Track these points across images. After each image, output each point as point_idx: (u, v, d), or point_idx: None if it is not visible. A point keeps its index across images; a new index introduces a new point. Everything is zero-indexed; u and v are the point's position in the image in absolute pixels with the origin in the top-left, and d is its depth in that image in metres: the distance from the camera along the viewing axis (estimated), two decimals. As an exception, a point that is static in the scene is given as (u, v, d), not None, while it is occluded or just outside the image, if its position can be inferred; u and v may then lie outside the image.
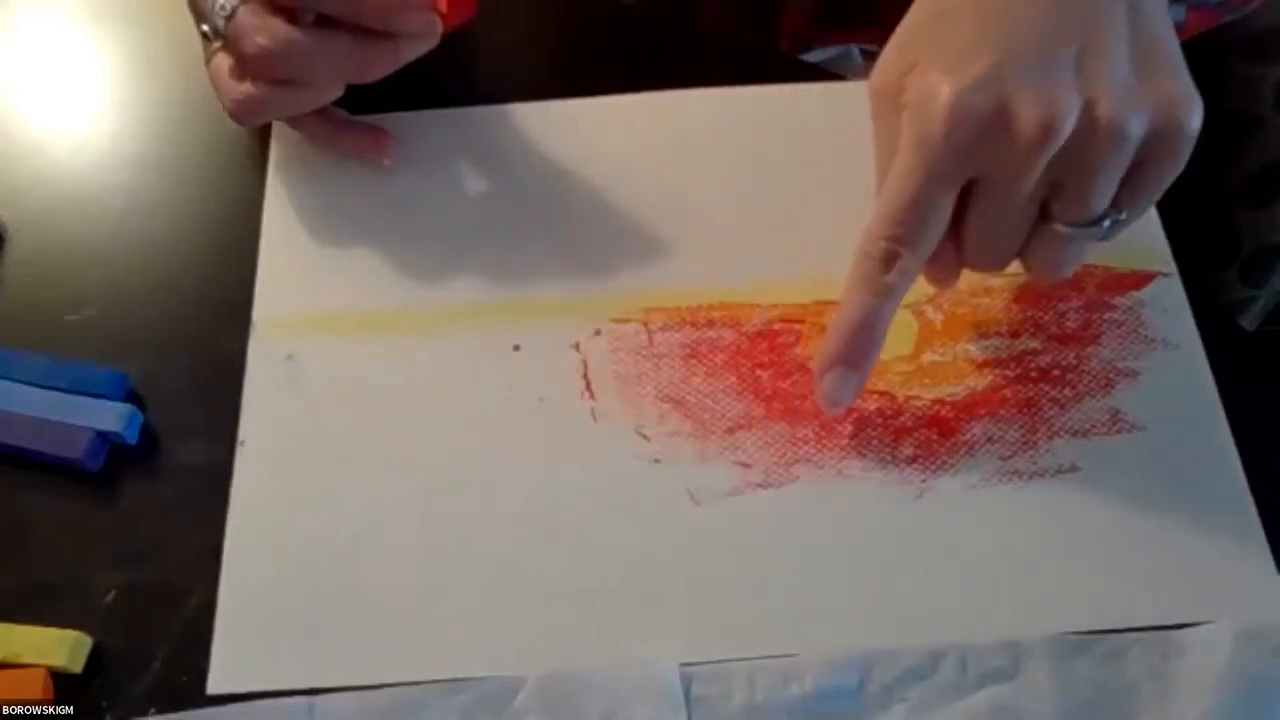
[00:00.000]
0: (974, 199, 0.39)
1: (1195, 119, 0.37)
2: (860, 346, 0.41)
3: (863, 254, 0.40)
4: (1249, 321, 0.52)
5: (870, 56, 0.60)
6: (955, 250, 0.41)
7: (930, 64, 0.38)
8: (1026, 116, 0.36)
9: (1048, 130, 0.36)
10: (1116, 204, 0.39)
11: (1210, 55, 0.57)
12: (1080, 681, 0.40)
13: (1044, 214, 0.39)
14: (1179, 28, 0.55)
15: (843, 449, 0.44)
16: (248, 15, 0.44)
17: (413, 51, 0.45)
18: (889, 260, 0.39)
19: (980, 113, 0.36)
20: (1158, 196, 0.40)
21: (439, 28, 0.45)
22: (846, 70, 0.60)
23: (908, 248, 0.39)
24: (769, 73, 0.53)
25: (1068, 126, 0.36)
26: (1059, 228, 0.39)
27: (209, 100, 0.48)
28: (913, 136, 0.38)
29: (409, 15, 0.44)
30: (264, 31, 0.44)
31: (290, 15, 0.44)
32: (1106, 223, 0.39)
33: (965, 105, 0.36)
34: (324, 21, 0.44)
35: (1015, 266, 0.42)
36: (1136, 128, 0.36)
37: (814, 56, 0.63)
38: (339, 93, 0.47)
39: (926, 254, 0.40)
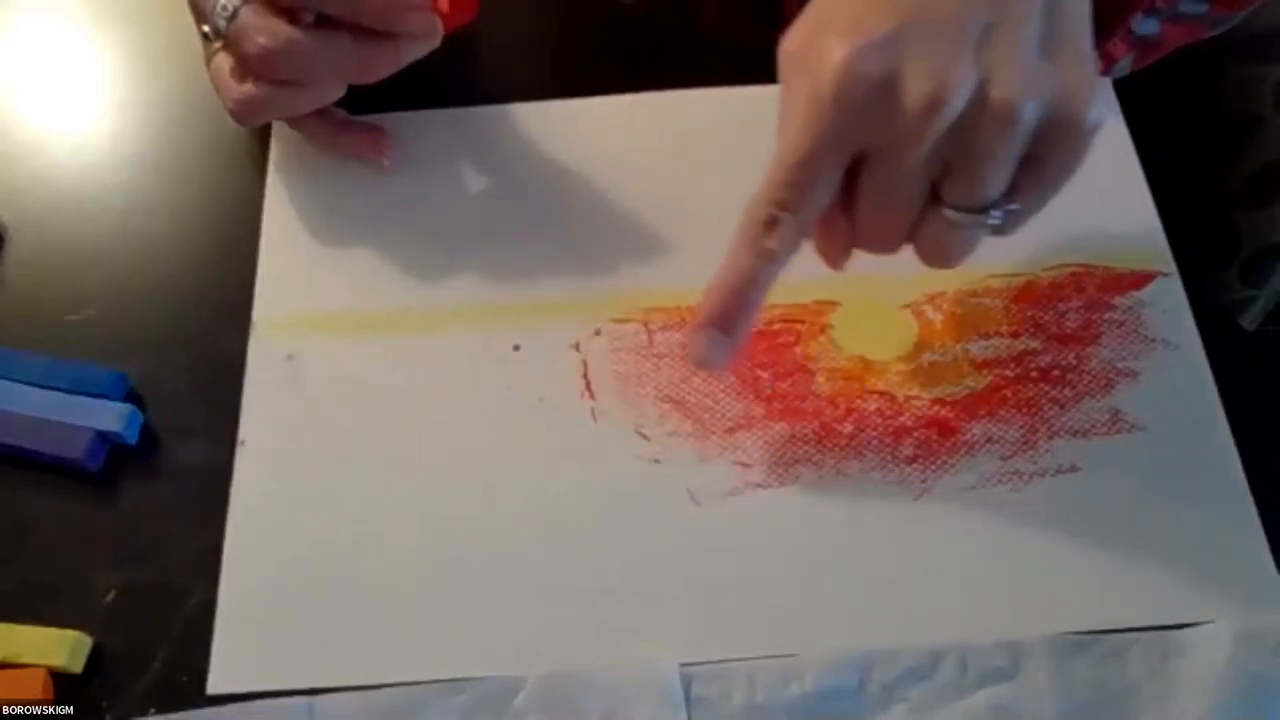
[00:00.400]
0: (864, 172, 0.38)
1: (1095, 112, 0.36)
2: (734, 310, 0.40)
3: (746, 216, 0.39)
4: (1249, 321, 0.52)
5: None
6: (848, 227, 0.40)
7: (832, 26, 0.37)
8: (916, 87, 0.35)
9: (935, 103, 0.35)
10: (1012, 194, 0.38)
11: (1209, 55, 0.57)
12: (1080, 681, 0.40)
13: (936, 197, 0.38)
14: (1156, 42, 0.54)
15: (842, 449, 0.45)
16: (249, 15, 0.44)
17: (414, 52, 0.45)
18: (771, 224, 0.38)
19: (869, 77, 0.35)
20: (1057, 190, 0.38)
21: (440, 28, 0.45)
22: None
23: (790, 211, 0.38)
24: (769, 73, 0.53)
25: (957, 102, 0.35)
26: (948, 212, 0.38)
27: (209, 100, 0.48)
28: (804, 98, 0.37)
29: (410, 16, 0.44)
30: (265, 32, 0.44)
31: (292, 16, 0.44)
32: (998, 212, 0.38)
33: (855, 69, 0.35)
34: (325, 22, 0.44)
35: (910, 253, 0.41)
36: (1030, 113, 0.35)
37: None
38: (340, 93, 0.47)
39: (809, 220, 0.38)
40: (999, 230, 0.39)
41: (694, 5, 0.60)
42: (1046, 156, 0.37)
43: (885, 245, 0.40)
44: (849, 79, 0.35)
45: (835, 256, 0.42)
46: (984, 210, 0.38)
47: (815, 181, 0.37)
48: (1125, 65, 0.53)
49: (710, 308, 0.40)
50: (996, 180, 0.37)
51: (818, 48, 0.36)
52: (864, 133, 0.36)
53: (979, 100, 0.35)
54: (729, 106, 0.52)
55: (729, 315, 0.40)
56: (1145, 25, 0.54)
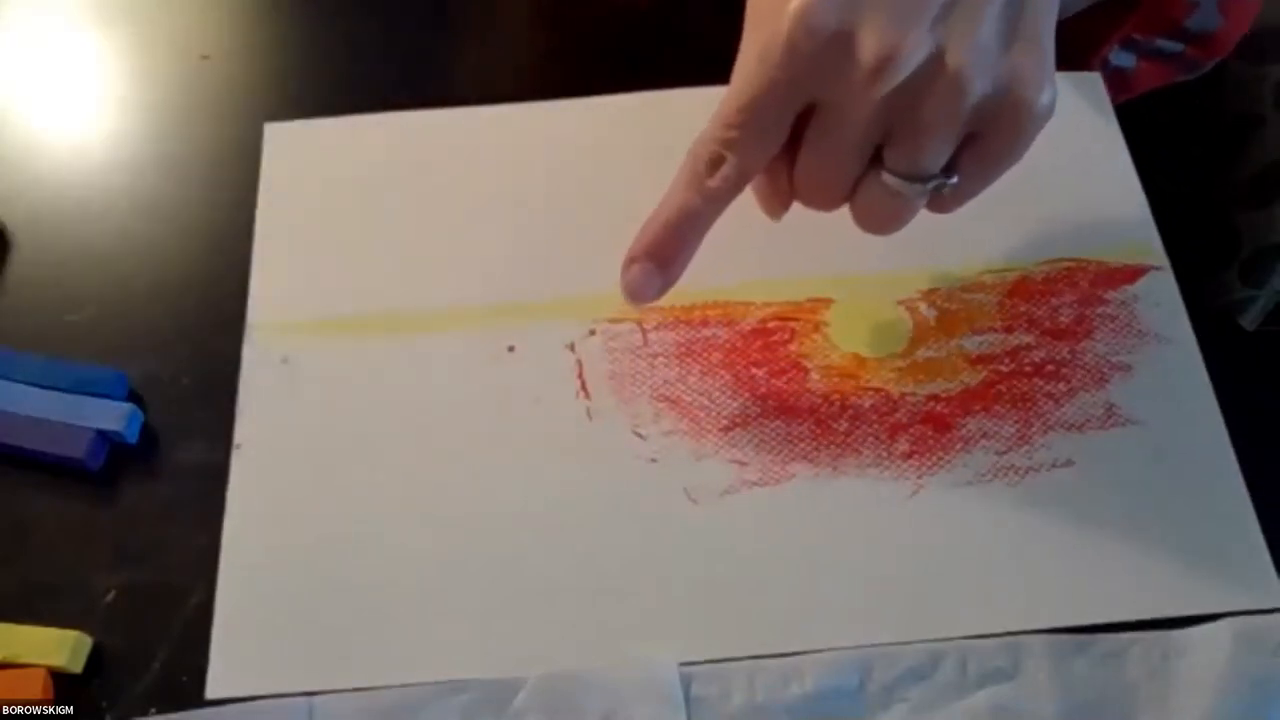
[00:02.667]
0: (810, 125, 0.38)
1: (1044, 99, 0.36)
2: (670, 244, 0.40)
3: (691, 153, 0.39)
4: (1249, 321, 0.52)
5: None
6: (788, 180, 0.40)
7: None
8: (869, 45, 0.35)
9: (885, 64, 0.35)
10: (951, 169, 0.38)
11: (1174, 87, 0.57)
12: (1080, 681, 0.40)
13: (877, 160, 0.39)
14: (1130, 76, 0.54)
15: (838, 446, 0.45)
16: None
17: None
18: (715, 163, 0.39)
19: (824, 28, 0.35)
20: (998, 172, 0.39)
21: None
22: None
23: (734, 152, 0.38)
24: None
25: (908, 66, 0.35)
26: (886, 176, 0.38)
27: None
28: (758, 42, 0.37)
29: None
30: None
31: None
32: (933, 183, 0.38)
33: (811, 18, 0.35)
34: None
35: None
36: (978, 88, 0.36)
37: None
38: None
39: (752, 165, 0.39)
40: (937, 204, 0.39)
41: (693, 5, 0.61)
42: (990, 136, 0.37)
43: (823, 201, 0.41)
44: (804, 27, 0.35)
45: (773, 207, 0.42)
46: (923, 180, 0.38)
47: (761, 125, 0.38)
48: None
49: (647, 240, 0.40)
50: (937, 151, 0.37)
51: None
52: (813, 84, 0.37)
53: (930, 70, 0.35)
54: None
55: (665, 249, 0.40)
56: (1121, 58, 0.54)
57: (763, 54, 0.37)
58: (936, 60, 0.35)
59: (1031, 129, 0.37)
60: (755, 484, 0.44)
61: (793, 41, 0.36)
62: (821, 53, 0.36)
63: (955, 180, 0.38)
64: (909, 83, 0.35)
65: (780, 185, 0.41)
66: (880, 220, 0.40)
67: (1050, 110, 0.37)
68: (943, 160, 0.38)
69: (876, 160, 0.39)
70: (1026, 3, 0.37)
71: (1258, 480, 0.44)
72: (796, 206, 0.42)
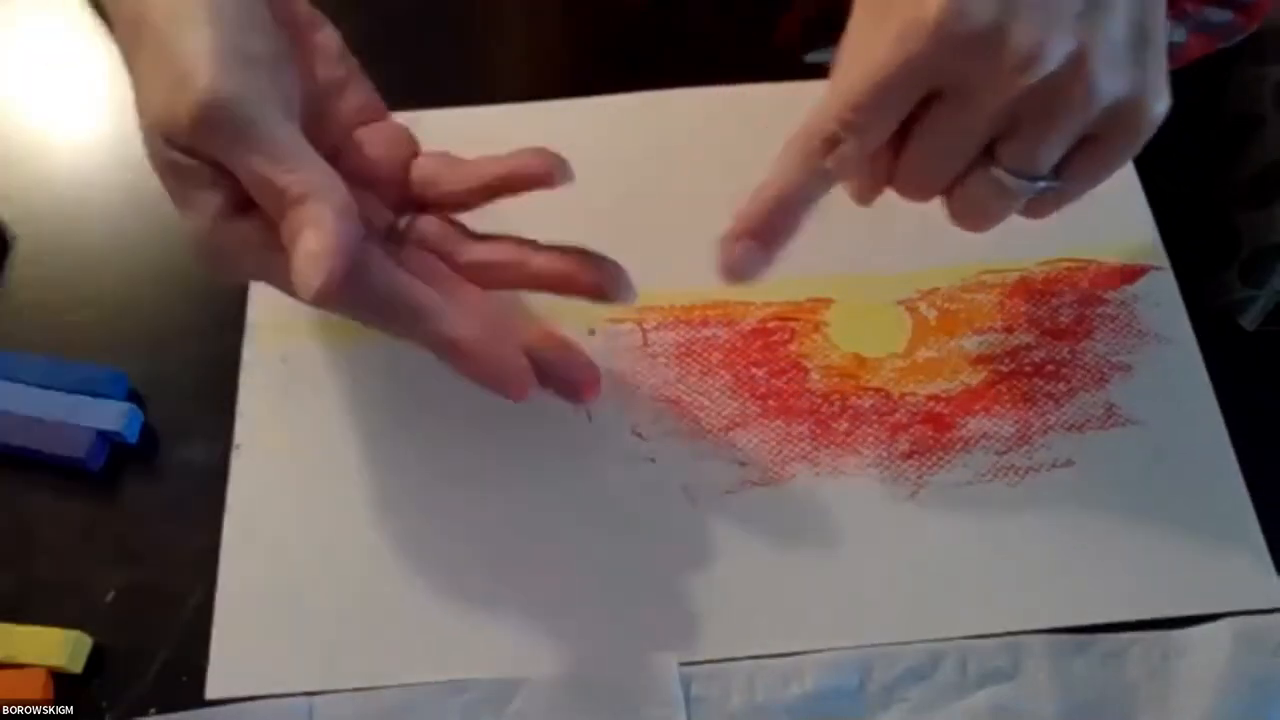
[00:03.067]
0: (930, 111, 0.38)
1: (1161, 109, 0.37)
2: (777, 224, 0.39)
3: (805, 132, 0.39)
4: (1249, 321, 0.52)
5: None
6: (889, 165, 0.40)
7: None
8: (1019, 39, 0.35)
9: (1033, 59, 0.35)
10: (1059, 172, 0.38)
11: (1210, 55, 0.58)
12: (1080, 681, 0.40)
13: (987, 155, 0.38)
14: (1180, 49, 0.54)
15: (838, 446, 0.45)
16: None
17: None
18: (832, 143, 0.38)
19: (977, 18, 0.35)
20: (1104, 177, 0.39)
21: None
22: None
23: (855, 135, 0.38)
24: (768, 73, 0.53)
25: (1052, 63, 0.35)
26: (997, 171, 0.38)
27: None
28: (900, 25, 0.36)
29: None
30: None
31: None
32: (1042, 184, 0.38)
33: (966, 6, 0.35)
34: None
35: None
36: (1109, 93, 0.36)
37: (814, 57, 0.63)
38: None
39: (870, 149, 0.38)
40: (1036, 207, 0.39)
41: (693, 5, 0.61)
42: (1106, 140, 0.37)
43: (923, 190, 0.40)
44: (958, 14, 0.35)
45: (866, 193, 0.42)
46: (1033, 179, 0.38)
47: (887, 107, 0.37)
48: None
49: (751, 218, 0.39)
50: (1055, 150, 0.37)
51: None
52: (949, 71, 0.36)
53: (1069, 68, 0.35)
54: (727, 106, 0.52)
55: (771, 229, 0.39)
56: (1174, 33, 0.54)
57: (904, 33, 0.36)
58: (1076, 59, 0.36)
59: (1146, 135, 0.37)
60: (755, 484, 0.44)
61: (943, 25, 0.35)
62: (968, 42, 0.35)
63: (1060, 184, 0.38)
64: (1047, 79, 0.36)
65: (879, 171, 0.40)
66: (978, 216, 0.40)
67: (1164, 115, 0.37)
68: (1056, 159, 0.38)
69: (985, 154, 0.38)
70: (1149, 8, 0.37)
71: (1258, 480, 0.44)
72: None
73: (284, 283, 0.37)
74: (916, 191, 0.40)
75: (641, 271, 0.48)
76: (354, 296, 0.38)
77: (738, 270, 0.40)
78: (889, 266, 0.47)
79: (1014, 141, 0.37)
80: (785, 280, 0.48)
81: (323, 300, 0.36)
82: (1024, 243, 0.48)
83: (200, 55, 0.36)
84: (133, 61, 0.38)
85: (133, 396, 0.46)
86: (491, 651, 0.41)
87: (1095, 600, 0.42)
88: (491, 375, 0.39)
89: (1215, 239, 0.54)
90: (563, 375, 0.41)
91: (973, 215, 0.40)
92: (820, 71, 0.55)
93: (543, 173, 0.42)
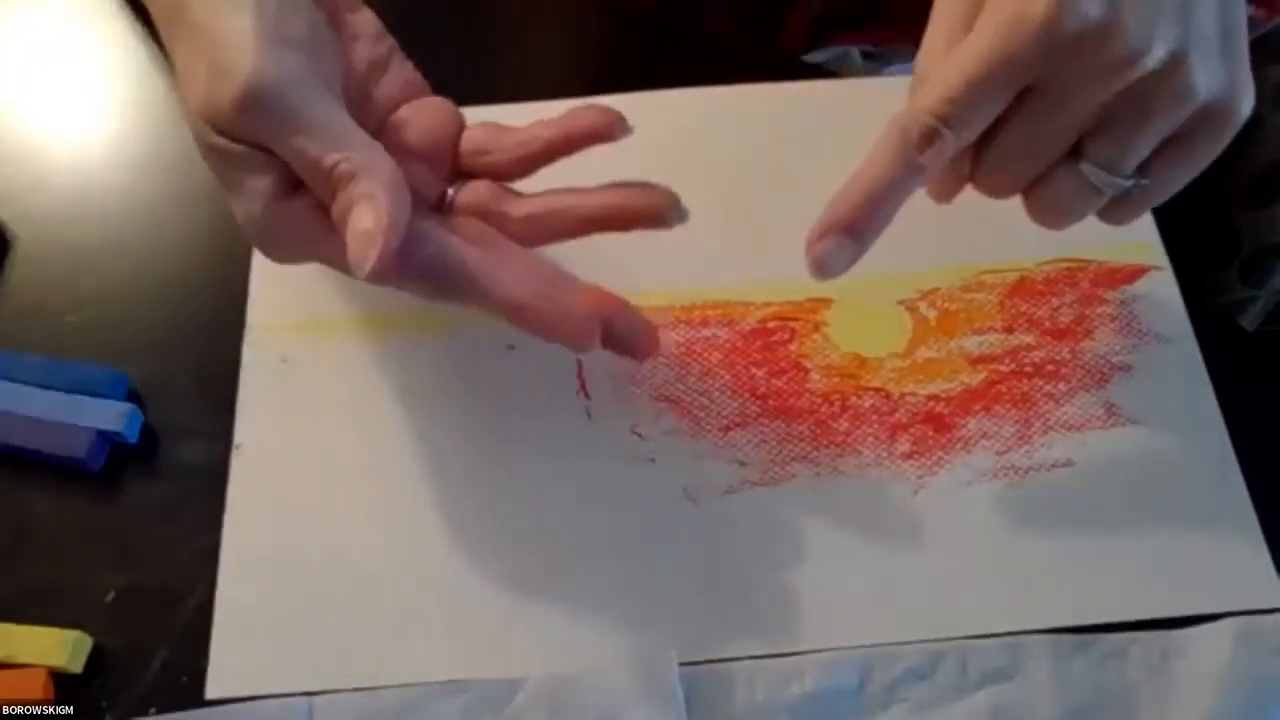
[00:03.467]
0: (1023, 105, 0.38)
1: (1248, 107, 0.37)
2: (869, 218, 0.39)
3: (901, 125, 0.38)
4: (1249, 321, 0.52)
5: (869, 57, 0.60)
6: (970, 161, 0.40)
7: None
8: (1127, 37, 0.35)
9: (1137, 58, 0.35)
10: (1144, 171, 0.38)
11: None
12: (1080, 681, 0.40)
13: (1074, 152, 0.38)
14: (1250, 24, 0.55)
15: (838, 446, 0.45)
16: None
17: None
18: (930, 138, 0.37)
19: (1087, 15, 0.35)
20: (1188, 178, 0.39)
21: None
22: (846, 70, 0.60)
23: (953, 129, 0.37)
24: (769, 73, 0.53)
25: (1153, 63, 0.35)
26: (1086, 167, 0.38)
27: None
28: (1005, 17, 0.36)
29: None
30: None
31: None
32: (1129, 182, 0.38)
33: (1079, 2, 0.35)
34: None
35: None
36: (1203, 93, 0.36)
37: (814, 57, 0.63)
38: None
39: (967, 142, 0.38)
40: (1117, 209, 0.39)
41: (696, 6, 0.61)
42: (1192, 140, 0.37)
43: (1007, 186, 0.40)
44: (1068, 9, 0.35)
45: (947, 189, 0.42)
46: (1121, 177, 0.38)
47: (990, 100, 0.37)
48: None
49: (844, 212, 0.39)
50: (1145, 149, 0.37)
51: None
52: (1051, 66, 0.36)
53: (1167, 68, 0.36)
54: (728, 106, 0.52)
55: (863, 223, 0.39)
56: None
57: (1010, 27, 0.36)
58: (1176, 56, 0.36)
59: (1231, 134, 0.37)
60: (755, 484, 0.44)
61: (1052, 21, 0.35)
62: (1077, 37, 0.35)
63: (1146, 182, 0.38)
64: (1146, 75, 0.36)
65: (961, 166, 0.40)
66: (1061, 213, 0.40)
67: (1247, 117, 0.37)
68: (1142, 158, 0.38)
69: (1071, 150, 0.38)
70: (1233, 11, 0.37)
71: (1258, 480, 0.44)
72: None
73: (339, 262, 0.37)
74: (999, 187, 0.40)
75: (642, 271, 0.48)
76: (410, 269, 0.38)
77: (827, 266, 0.40)
78: (889, 266, 0.47)
79: (1105, 138, 0.37)
80: (785, 280, 0.48)
81: (378, 278, 0.36)
82: (1024, 243, 0.48)
83: (241, 41, 0.36)
84: (174, 52, 0.39)
85: (133, 396, 0.46)
86: (491, 651, 0.41)
87: (1095, 600, 0.42)
88: (558, 330, 0.39)
89: (1215, 239, 0.54)
90: (622, 334, 0.40)
91: (1054, 212, 0.40)
92: (820, 71, 0.55)
93: (601, 125, 0.42)
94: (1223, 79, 0.37)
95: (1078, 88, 0.36)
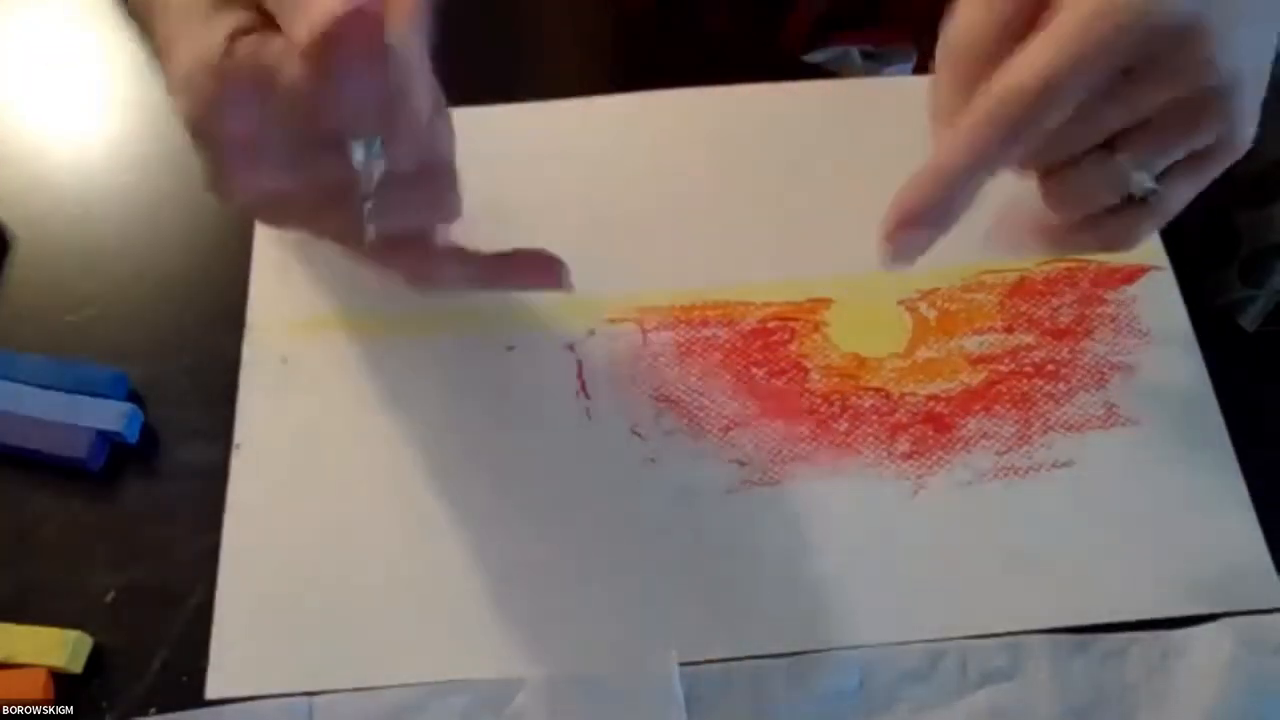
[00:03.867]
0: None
1: (1250, 135, 0.37)
2: (947, 205, 0.38)
3: (976, 114, 0.37)
4: (1249, 321, 0.52)
5: (869, 57, 0.60)
6: None
7: None
8: (1205, 42, 0.35)
9: (1209, 63, 0.35)
10: (1160, 179, 0.38)
11: None
12: (1080, 681, 0.40)
13: (1105, 145, 0.38)
14: None
15: (838, 446, 0.45)
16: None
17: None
18: (1008, 125, 0.36)
19: (1182, 12, 0.35)
20: (1190, 195, 0.39)
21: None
22: (846, 70, 0.60)
23: (1035, 116, 0.36)
24: (769, 73, 0.53)
25: (1228, 78, 0.35)
26: (1122, 160, 0.37)
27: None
28: (1093, 4, 0.35)
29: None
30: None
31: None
32: (1150, 183, 0.38)
33: (1174, 4, 0.35)
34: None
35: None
36: (1250, 124, 0.36)
37: (814, 57, 0.63)
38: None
39: (1048, 131, 0.37)
40: (1125, 219, 0.39)
41: (698, 7, 0.61)
42: (1208, 155, 0.37)
43: (1031, 165, 0.40)
44: (1164, 10, 0.35)
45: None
46: (1145, 174, 0.38)
47: (1075, 90, 0.36)
48: None
49: (916, 201, 0.38)
50: (1179, 154, 0.37)
51: None
52: (1136, 59, 0.36)
53: (1232, 89, 0.36)
54: (728, 106, 0.52)
55: (940, 209, 0.38)
56: None
57: (1099, 19, 0.35)
58: (1240, 83, 0.36)
59: (1236, 157, 0.38)
60: (755, 484, 0.44)
61: (1143, 12, 0.35)
62: (1168, 30, 0.35)
63: (1159, 191, 0.38)
64: (1213, 90, 0.35)
65: None
66: (1077, 200, 0.39)
67: (1248, 146, 0.38)
68: (1169, 161, 0.38)
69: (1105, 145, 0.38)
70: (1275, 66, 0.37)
71: (1258, 480, 0.44)
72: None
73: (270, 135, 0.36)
74: (1025, 162, 0.39)
75: (642, 271, 0.48)
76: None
77: (902, 252, 0.39)
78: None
79: (1145, 137, 0.37)
80: (785, 280, 0.48)
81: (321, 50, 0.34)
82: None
83: None
84: (154, 36, 0.38)
85: (133, 396, 0.46)
86: (491, 651, 0.41)
87: (1095, 600, 0.42)
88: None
89: (1215, 239, 0.54)
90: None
91: (1072, 200, 0.39)
92: (820, 72, 0.55)
93: (546, 274, 0.43)
94: (1257, 113, 0.37)
95: (1144, 83, 0.36)
